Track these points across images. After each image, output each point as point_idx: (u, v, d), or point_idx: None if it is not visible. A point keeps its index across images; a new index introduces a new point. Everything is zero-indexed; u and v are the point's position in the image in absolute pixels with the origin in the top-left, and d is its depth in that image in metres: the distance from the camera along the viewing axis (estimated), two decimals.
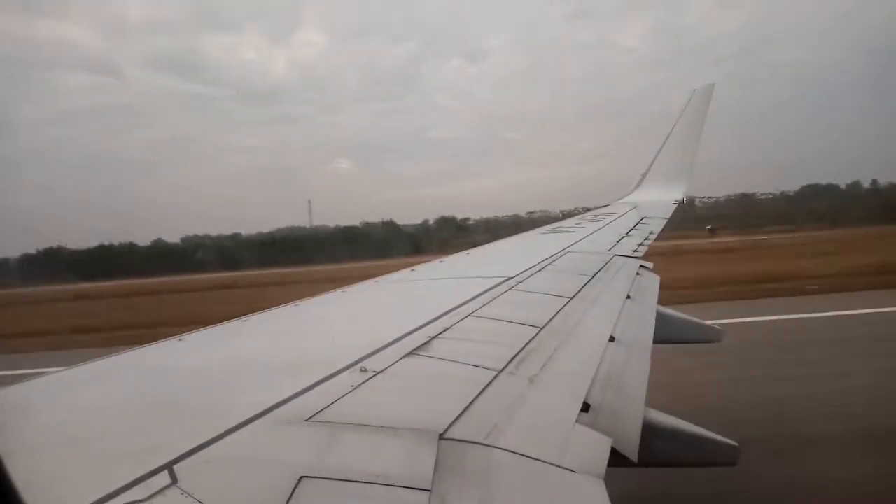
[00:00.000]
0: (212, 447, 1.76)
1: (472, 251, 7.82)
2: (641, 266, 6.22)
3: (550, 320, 3.60)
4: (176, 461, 1.65)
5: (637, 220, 9.54)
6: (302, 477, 1.60)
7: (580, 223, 9.97)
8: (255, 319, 3.90)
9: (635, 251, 7.07)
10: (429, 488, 1.61)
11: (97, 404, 2.34)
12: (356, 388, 2.30)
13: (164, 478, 1.56)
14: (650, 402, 2.69)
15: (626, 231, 8.54)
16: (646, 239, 8.03)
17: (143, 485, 1.52)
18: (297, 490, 1.54)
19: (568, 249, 6.83)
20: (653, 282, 5.66)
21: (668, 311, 5.41)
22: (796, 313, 17.17)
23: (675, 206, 11.28)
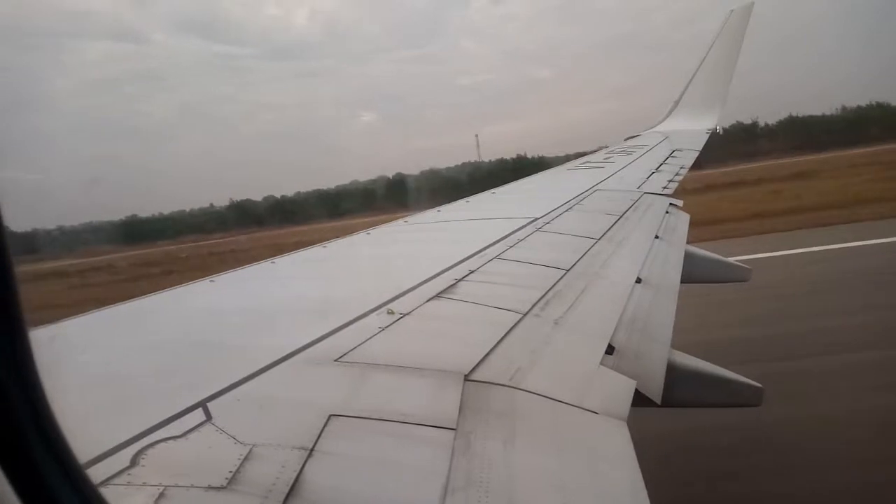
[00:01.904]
0: (244, 386, 1.82)
1: (498, 190, 7.73)
2: (671, 204, 6.10)
3: (577, 262, 3.58)
4: (210, 399, 1.71)
5: (668, 154, 9.22)
6: (331, 415, 1.65)
7: (609, 157, 9.69)
8: (284, 261, 3.96)
9: (665, 188, 6.90)
10: (454, 427, 1.65)
11: (133, 344, 2.43)
12: (384, 329, 2.34)
13: (198, 415, 1.62)
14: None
15: (656, 166, 8.29)
16: (676, 174, 7.80)
17: (178, 421, 1.58)
18: (326, 427, 1.59)
19: (596, 187, 6.71)
20: (682, 221, 5.56)
21: (697, 250, 5.33)
22: None
23: (708, 135, 10.82)
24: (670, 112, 12.56)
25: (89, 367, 2.10)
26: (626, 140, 11.87)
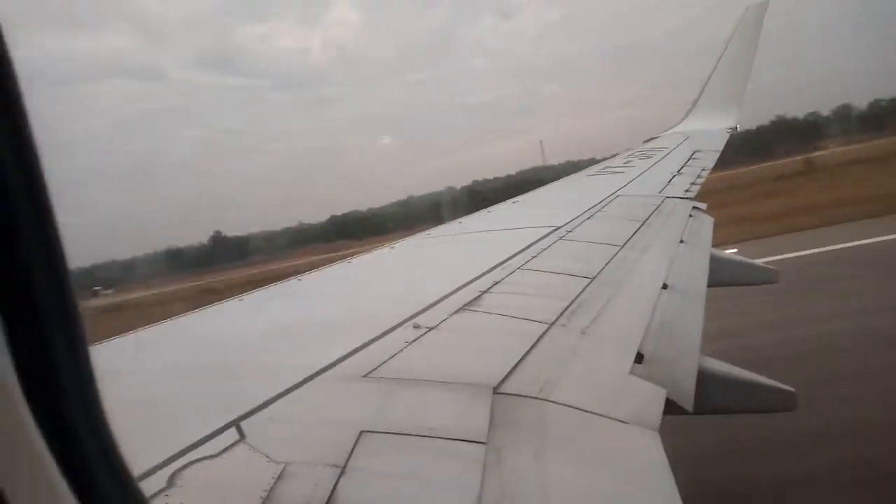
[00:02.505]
0: (276, 404, 1.84)
1: (520, 198, 7.72)
2: (694, 207, 6.03)
3: (601, 270, 3.55)
4: (243, 418, 1.74)
5: (688, 156, 9.09)
6: (362, 431, 1.66)
7: (629, 161, 9.60)
8: (310, 278, 4.01)
9: (687, 191, 6.82)
10: (484, 441, 1.65)
11: (165, 364, 2.47)
12: (410, 344, 2.36)
13: (232, 434, 1.65)
14: None
15: (677, 169, 8.19)
16: (698, 177, 7.70)
17: (213, 441, 1.61)
18: (358, 444, 1.60)
19: (617, 193, 6.66)
20: (706, 224, 5.49)
21: (722, 253, 5.26)
22: None
23: (729, 134, 10.64)
24: (689, 112, 12.41)
25: (124, 389, 2.14)
26: (645, 142, 11.75)
